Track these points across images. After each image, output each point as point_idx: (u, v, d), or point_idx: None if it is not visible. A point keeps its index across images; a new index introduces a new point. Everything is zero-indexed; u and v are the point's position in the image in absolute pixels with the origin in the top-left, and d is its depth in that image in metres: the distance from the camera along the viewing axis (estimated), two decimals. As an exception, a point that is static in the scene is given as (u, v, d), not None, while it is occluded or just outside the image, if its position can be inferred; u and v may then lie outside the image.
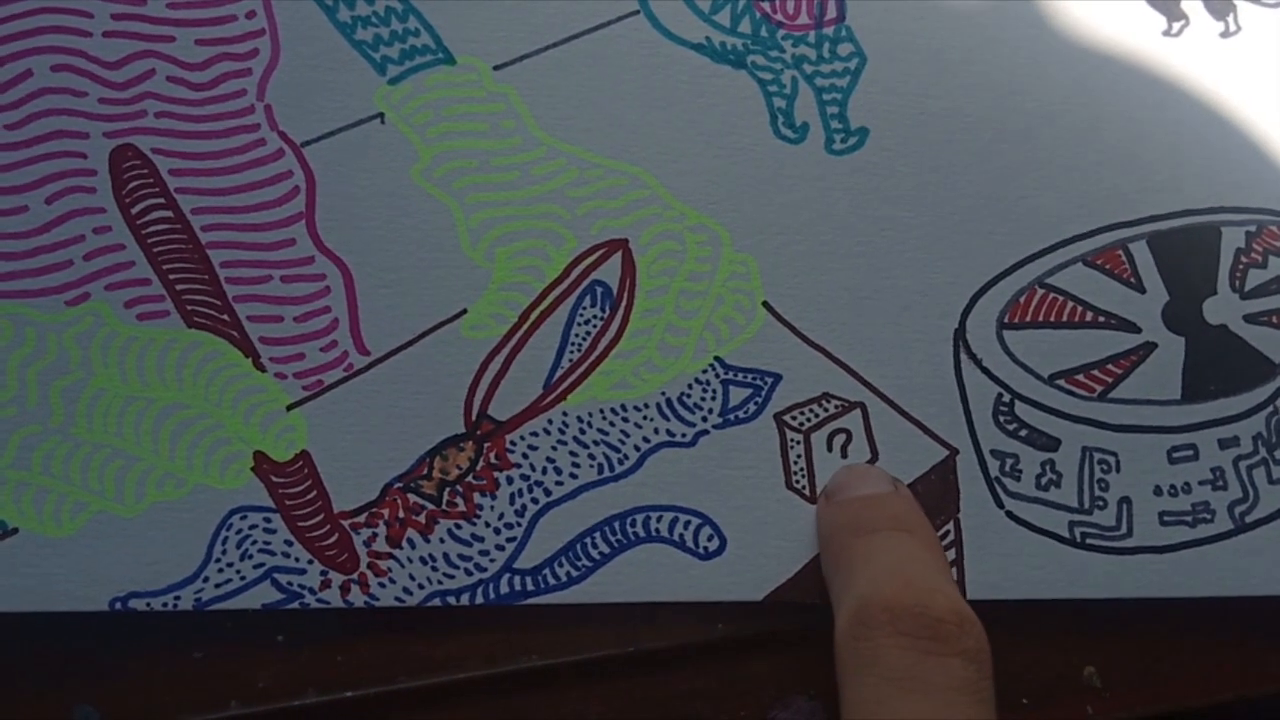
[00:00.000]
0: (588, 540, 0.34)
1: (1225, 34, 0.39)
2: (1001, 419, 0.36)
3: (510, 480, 0.35)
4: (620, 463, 0.35)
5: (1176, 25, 0.39)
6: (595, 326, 0.36)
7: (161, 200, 0.35)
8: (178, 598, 0.33)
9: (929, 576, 0.31)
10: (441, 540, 0.34)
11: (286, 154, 0.35)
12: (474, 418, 0.35)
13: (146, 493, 0.33)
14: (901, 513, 0.33)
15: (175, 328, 0.34)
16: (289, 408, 0.34)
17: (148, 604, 0.33)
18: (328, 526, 0.34)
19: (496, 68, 0.36)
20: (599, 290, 0.36)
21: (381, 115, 0.36)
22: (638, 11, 0.37)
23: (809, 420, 0.36)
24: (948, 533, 0.35)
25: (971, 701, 0.28)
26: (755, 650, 0.35)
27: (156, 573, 0.33)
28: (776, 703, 0.35)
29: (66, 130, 0.35)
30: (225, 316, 0.34)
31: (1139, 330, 0.37)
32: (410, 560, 0.34)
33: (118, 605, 0.33)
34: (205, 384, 0.34)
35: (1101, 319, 0.37)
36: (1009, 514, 0.36)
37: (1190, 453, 0.36)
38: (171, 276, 0.34)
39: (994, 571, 0.35)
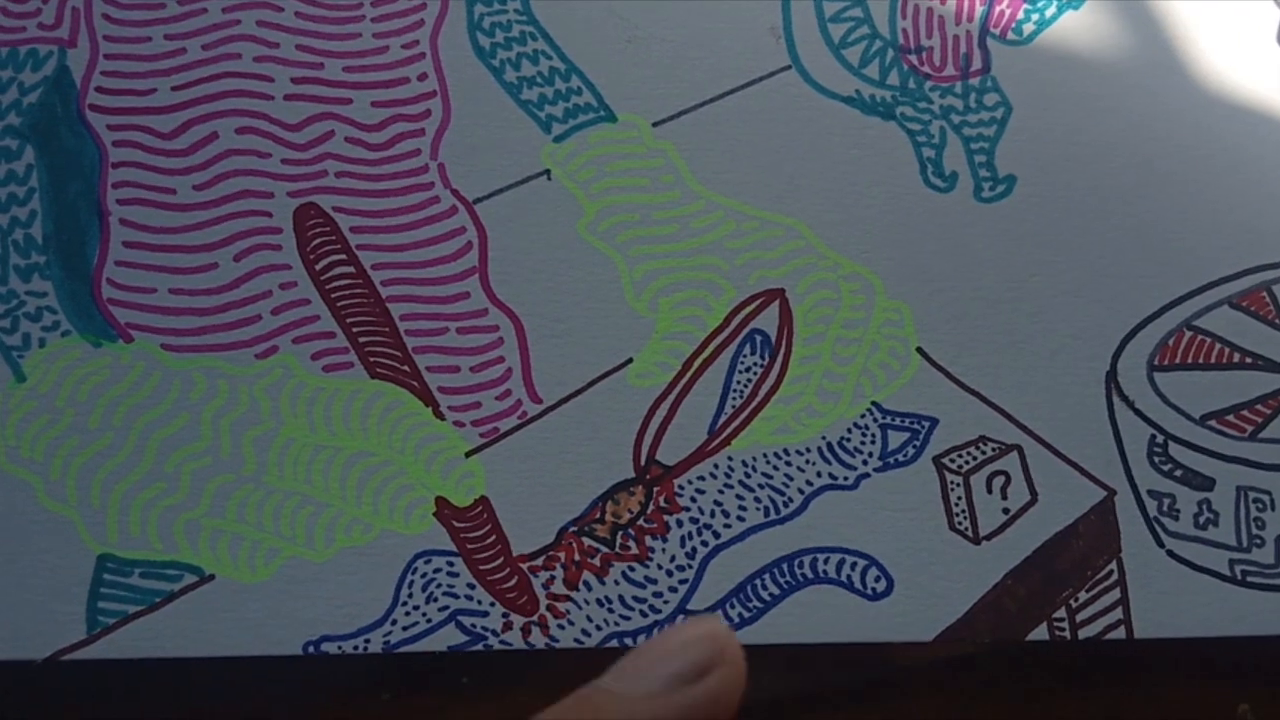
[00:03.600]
0: (758, 581, 0.35)
1: (1365, 79, 0.39)
2: (1156, 459, 0.37)
3: (680, 523, 0.36)
4: (785, 505, 0.36)
5: (1312, 70, 0.40)
6: (756, 373, 0.37)
7: (343, 256, 0.36)
8: (368, 640, 0.34)
9: None
10: (616, 582, 0.35)
11: (460, 211, 0.37)
12: (643, 463, 0.36)
13: (335, 538, 0.35)
14: None
15: (359, 378, 0.35)
16: (468, 454, 0.35)
17: (339, 647, 0.34)
18: (508, 570, 0.35)
19: (655, 124, 0.38)
20: (758, 338, 0.37)
21: (548, 172, 0.37)
22: (789, 67, 0.38)
23: (968, 463, 0.36)
24: (1111, 572, 0.36)
25: None
26: (923, 690, 0.36)
27: (347, 616, 0.34)
28: (941, 740, 0.36)
29: (252, 190, 0.36)
30: (406, 367, 0.36)
31: (1287, 370, 0.38)
32: (587, 602, 0.35)
33: (311, 648, 0.34)
34: (389, 432, 0.35)
35: (1249, 360, 0.38)
36: (1170, 553, 0.36)
37: (1349, 492, 0.36)
38: (355, 329, 0.36)
39: (1158, 610, 0.36)
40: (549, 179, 0.37)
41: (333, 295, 0.36)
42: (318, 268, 0.36)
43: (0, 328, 0.35)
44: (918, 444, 0.37)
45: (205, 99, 0.36)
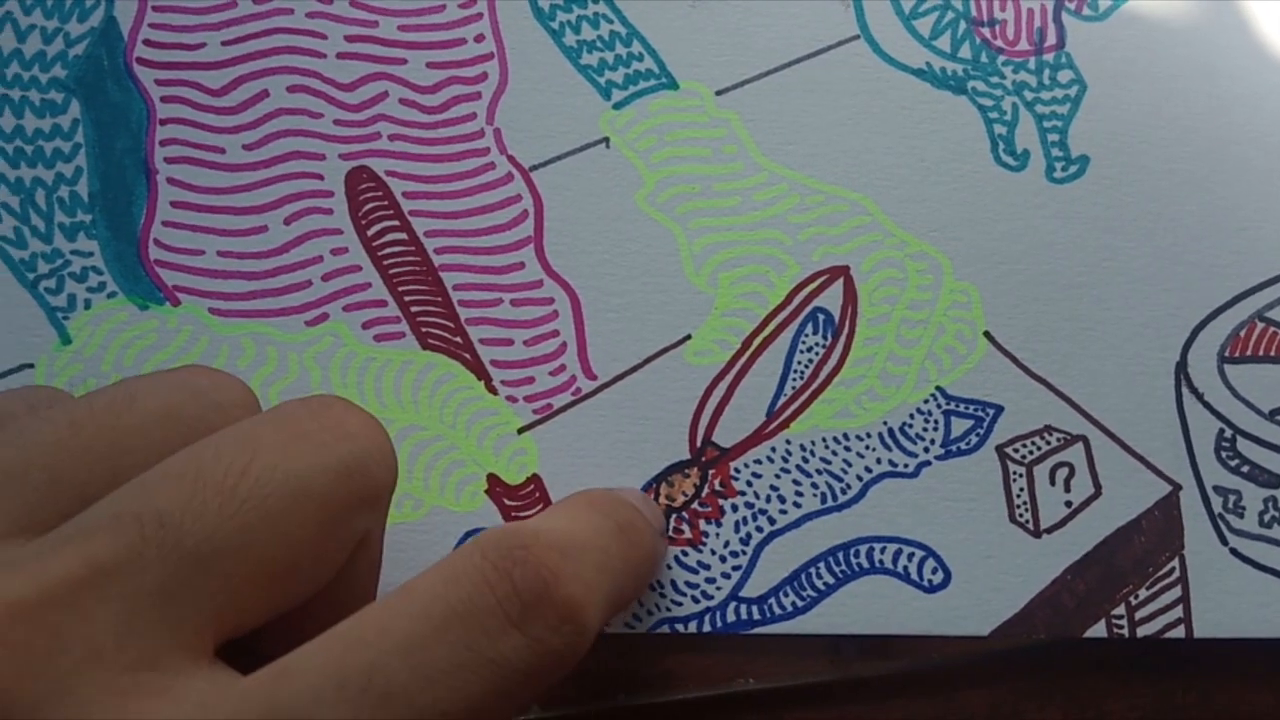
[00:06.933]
0: (812, 570, 0.35)
1: None
2: (1224, 455, 0.36)
3: (735, 508, 0.35)
4: (843, 492, 0.35)
5: (1400, 54, 0.38)
6: (817, 354, 0.36)
7: (396, 222, 0.35)
8: (417, 618, 0.33)
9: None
10: (669, 567, 0.34)
11: (515, 178, 0.35)
12: (699, 444, 0.35)
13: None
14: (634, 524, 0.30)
15: (411, 349, 0.35)
16: (520, 430, 0.35)
17: (388, 623, 0.33)
18: (560, 550, 0.34)
19: (719, 93, 0.36)
20: (821, 317, 0.36)
21: (606, 140, 0.36)
22: (858, 36, 0.37)
23: (1031, 453, 0.35)
24: (1173, 569, 0.35)
25: None
26: (970, 681, 0.35)
27: (396, 593, 0.33)
28: (992, 733, 0.35)
29: (303, 151, 0.35)
30: (458, 339, 0.35)
31: (1360, 366, 0.37)
32: (639, 585, 0.34)
33: (359, 624, 0.33)
34: (440, 406, 0.34)
35: (1322, 354, 0.37)
36: (1233, 551, 0.35)
37: None
38: (407, 298, 0.35)
39: (1220, 610, 0.35)
40: (607, 147, 0.36)
41: (385, 262, 0.35)
42: (369, 233, 0.35)
43: (46, 288, 0.34)
44: (981, 432, 0.36)
45: (256, 55, 0.35)
